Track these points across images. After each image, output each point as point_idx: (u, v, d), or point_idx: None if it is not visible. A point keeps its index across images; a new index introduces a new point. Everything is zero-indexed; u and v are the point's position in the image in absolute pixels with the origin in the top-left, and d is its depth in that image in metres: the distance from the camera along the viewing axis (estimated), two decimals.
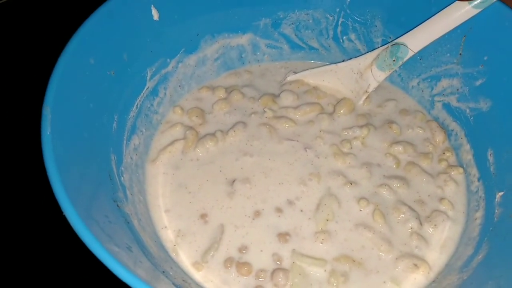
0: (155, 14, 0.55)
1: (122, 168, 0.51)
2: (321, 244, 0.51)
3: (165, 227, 0.52)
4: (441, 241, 0.52)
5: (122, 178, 0.50)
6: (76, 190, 0.38)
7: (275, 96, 0.63)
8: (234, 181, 0.55)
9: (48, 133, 0.40)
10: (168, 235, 0.51)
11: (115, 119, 0.52)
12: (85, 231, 0.35)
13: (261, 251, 0.50)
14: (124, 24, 0.52)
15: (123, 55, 0.53)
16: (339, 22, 0.64)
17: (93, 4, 0.50)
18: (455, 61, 0.57)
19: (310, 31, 0.65)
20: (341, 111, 0.62)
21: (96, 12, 0.50)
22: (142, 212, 0.50)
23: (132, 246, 0.41)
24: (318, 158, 0.57)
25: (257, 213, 0.53)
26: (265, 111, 0.61)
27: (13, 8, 0.78)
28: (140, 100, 0.57)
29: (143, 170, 0.55)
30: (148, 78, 0.57)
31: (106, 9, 0.50)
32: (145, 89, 0.57)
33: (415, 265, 0.49)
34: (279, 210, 0.53)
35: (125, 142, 0.53)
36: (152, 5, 0.55)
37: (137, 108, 0.56)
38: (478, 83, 0.55)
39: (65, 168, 0.39)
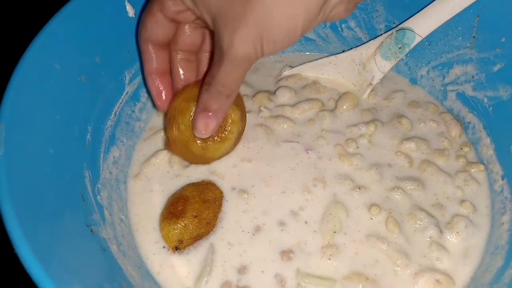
0: (130, 11, 0.50)
1: (99, 186, 0.45)
2: (328, 261, 0.45)
3: (153, 254, 0.46)
4: (465, 251, 0.46)
5: (99, 197, 0.44)
6: (35, 221, 0.32)
7: (270, 93, 0.58)
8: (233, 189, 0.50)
9: (1, 154, 0.34)
10: (154, 260, 0.46)
11: (89, 131, 0.46)
12: (42, 274, 0.29)
13: (262, 272, 0.44)
14: (94, 23, 0.47)
15: (95, 57, 0.47)
16: None
17: (58, 2, 0.44)
18: (468, 45, 0.53)
19: None
20: (344, 107, 0.56)
21: (61, 11, 0.44)
22: (123, 234, 0.45)
23: (106, 284, 0.35)
24: (322, 160, 0.52)
25: (258, 228, 0.47)
26: (260, 110, 0.56)
27: None
28: (118, 107, 0.51)
29: (125, 185, 0.50)
30: (126, 82, 0.52)
31: (72, 7, 0.45)
32: (124, 94, 0.52)
33: (437, 280, 0.44)
34: (282, 223, 0.47)
35: (102, 155, 0.47)
36: (126, 1, 0.49)
37: (115, 116, 0.50)
38: (495, 68, 0.51)
39: (22, 197, 0.33)
